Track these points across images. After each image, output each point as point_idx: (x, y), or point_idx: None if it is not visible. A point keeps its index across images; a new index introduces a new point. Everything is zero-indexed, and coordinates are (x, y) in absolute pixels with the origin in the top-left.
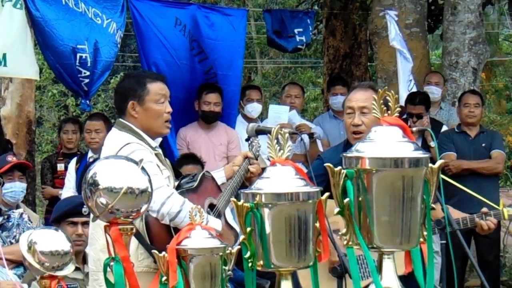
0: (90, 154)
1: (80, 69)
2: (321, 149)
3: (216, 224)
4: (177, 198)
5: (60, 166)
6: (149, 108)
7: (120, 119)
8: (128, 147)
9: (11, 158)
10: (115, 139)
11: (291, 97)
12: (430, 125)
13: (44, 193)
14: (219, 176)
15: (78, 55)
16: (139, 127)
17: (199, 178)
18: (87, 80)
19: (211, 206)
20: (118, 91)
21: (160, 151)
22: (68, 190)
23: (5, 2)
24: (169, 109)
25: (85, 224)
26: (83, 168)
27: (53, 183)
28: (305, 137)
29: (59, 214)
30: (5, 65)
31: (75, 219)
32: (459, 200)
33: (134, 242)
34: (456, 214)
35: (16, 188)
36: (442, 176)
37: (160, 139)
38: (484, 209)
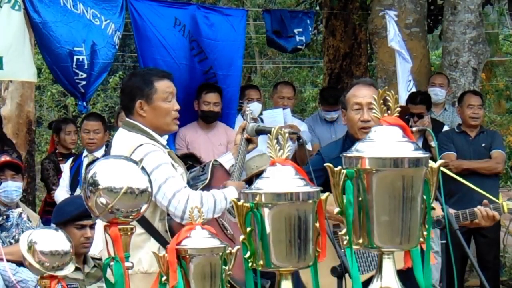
0: (85, 153)
1: (77, 71)
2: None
3: (233, 193)
4: (195, 198)
5: (63, 167)
6: (158, 107)
7: (128, 119)
8: (143, 149)
9: (4, 158)
10: (127, 141)
11: (284, 99)
12: (431, 125)
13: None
14: (228, 158)
15: (75, 57)
16: (148, 126)
17: (209, 170)
18: (83, 82)
19: None
20: (125, 90)
21: (170, 149)
22: (62, 189)
23: (3, 4)
24: (177, 106)
25: (91, 226)
26: (76, 167)
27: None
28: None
29: (69, 218)
30: (1, 68)
31: (84, 222)
32: (459, 198)
33: (155, 244)
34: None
35: (8, 187)
36: (445, 170)
37: (166, 136)
38: (485, 201)
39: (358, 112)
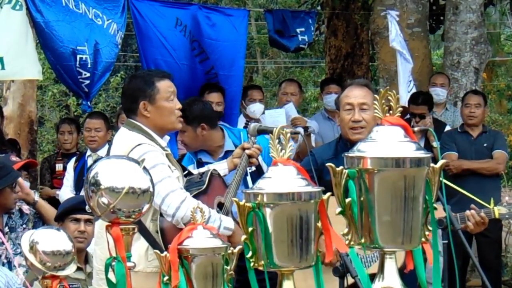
0: (88, 153)
1: (80, 70)
2: (313, 144)
3: (229, 222)
4: (191, 202)
5: (59, 167)
6: (161, 107)
7: (130, 119)
8: (140, 148)
9: (15, 158)
10: (126, 139)
11: (287, 95)
12: (432, 125)
13: (42, 193)
14: (222, 167)
15: (78, 56)
16: (150, 127)
17: (207, 179)
18: (87, 82)
19: (220, 205)
20: (127, 93)
21: (169, 151)
22: (66, 189)
23: (3, 5)
24: (179, 105)
25: (88, 221)
26: (80, 166)
27: (51, 184)
28: (301, 130)
29: (63, 211)
30: (3, 68)
31: (78, 216)
32: (458, 200)
33: (144, 243)
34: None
35: None
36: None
37: (168, 138)
38: (472, 206)
39: (349, 112)
